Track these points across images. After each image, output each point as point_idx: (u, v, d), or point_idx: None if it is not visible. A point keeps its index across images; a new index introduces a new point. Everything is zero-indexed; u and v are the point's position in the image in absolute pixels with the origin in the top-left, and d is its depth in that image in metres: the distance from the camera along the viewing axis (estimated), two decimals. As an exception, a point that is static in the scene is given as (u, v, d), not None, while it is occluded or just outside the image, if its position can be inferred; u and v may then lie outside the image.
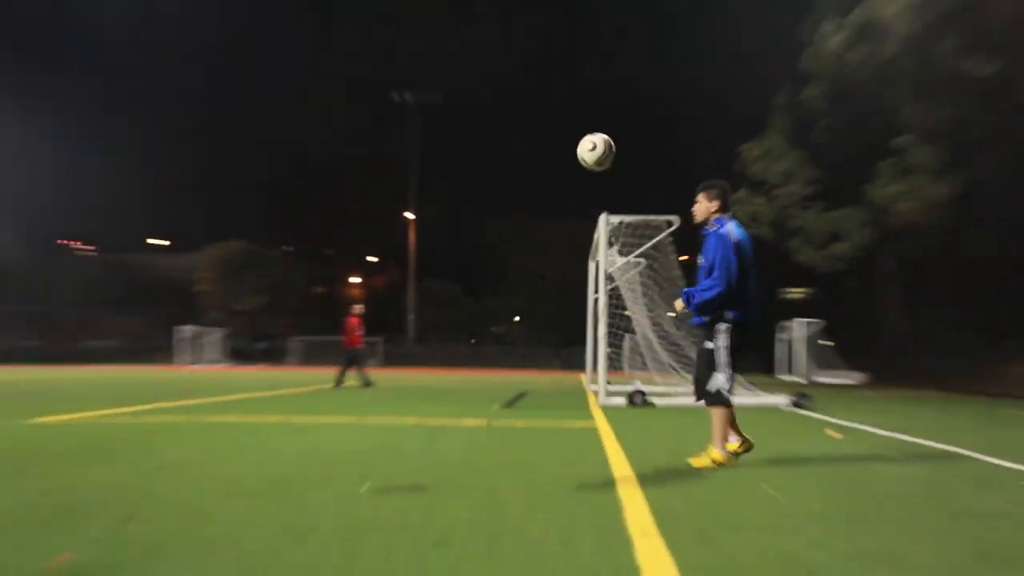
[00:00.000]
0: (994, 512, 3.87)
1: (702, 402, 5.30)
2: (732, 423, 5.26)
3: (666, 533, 3.27)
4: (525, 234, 59.83)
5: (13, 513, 3.58)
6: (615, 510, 3.76)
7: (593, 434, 7.36)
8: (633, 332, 13.25)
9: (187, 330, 44.27)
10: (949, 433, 7.89)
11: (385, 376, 23.64)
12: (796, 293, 44.36)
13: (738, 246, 5.12)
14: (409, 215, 53.70)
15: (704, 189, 5.38)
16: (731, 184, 5.71)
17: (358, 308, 17.59)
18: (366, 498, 4.01)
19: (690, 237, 12.07)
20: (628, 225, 12.32)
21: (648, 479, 4.68)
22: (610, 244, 12.25)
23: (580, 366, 25.56)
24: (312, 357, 47.16)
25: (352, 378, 16.68)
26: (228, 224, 68.27)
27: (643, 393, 11.36)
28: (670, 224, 12.08)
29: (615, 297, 12.88)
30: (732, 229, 5.19)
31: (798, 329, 25.98)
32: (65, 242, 73.17)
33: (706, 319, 5.21)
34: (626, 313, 13.03)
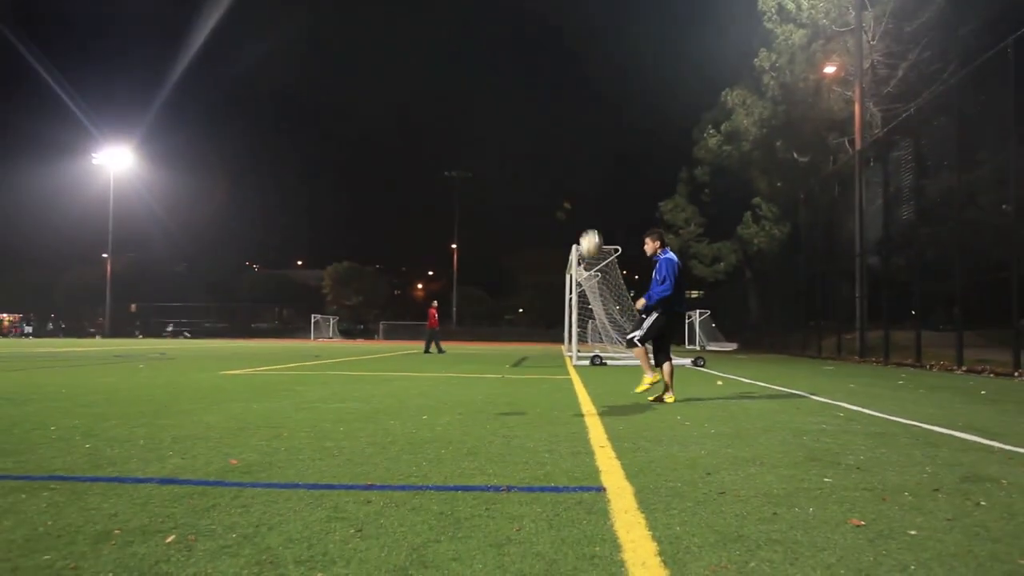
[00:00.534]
0: (817, 430, 3.84)
1: (628, 347, 5.45)
2: (652, 367, 5.32)
3: (614, 445, 3.26)
4: (527, 257, 60.19)
5: (209, 430, 3.60)
6: (582, 430, 3.75)
7: (568, 383, 7.35)
8: (594, 319, 13.21)
9: (316, 317, 44.70)
10: (789, 380, 7.83)
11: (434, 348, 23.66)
12: (694, 294, 44.73)
13: (678, 266, 5.34)
14: (454, 246, 54.49)
15: (649, 235, 5.51)
16: (654, 226, 5.83)
17: (435, 303, 17.69)
18: (424, 423, 4.01)
19: (628, 260, 12.23)
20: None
21: (603, 412, 4.67)
22: (579, 263, 12.30)
23: (560, 340, 25.51)
24: (391, 335, 47.60)
25: (433, 349, 16.85)
26: (342, 250, 69.96)
27: (600, 357, 11.34)
28: (616, 251, 12.18)
29: (582, 296, 12.90)
30: (673, 256, 5.38)
31: (696, 316, 25.98)
32: (248, 263, 74.63)
33: (652, 306, 5.32)
34: (589, 307, 13.01)
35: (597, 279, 12.90)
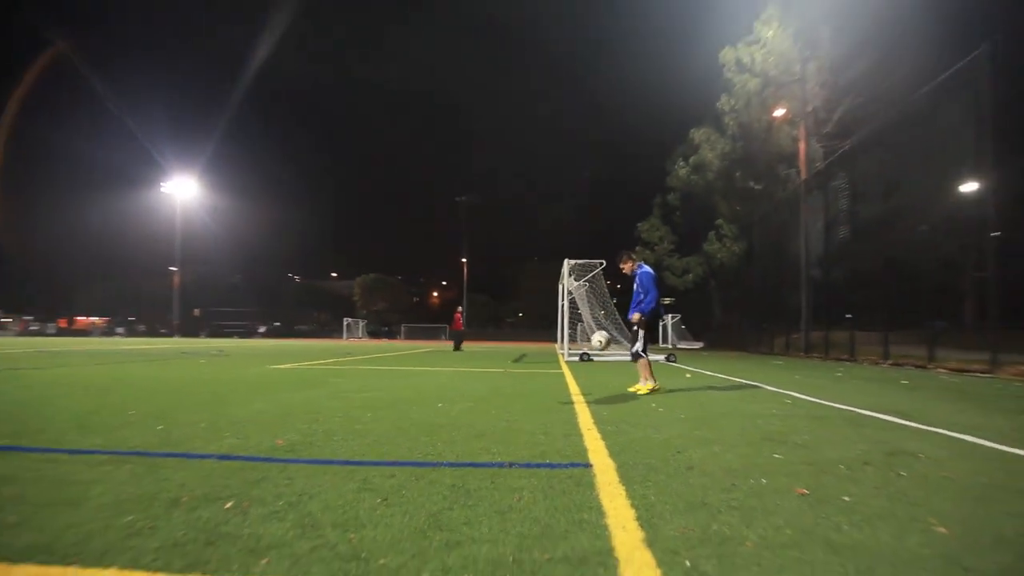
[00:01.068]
0: (769, 414, 3.84)
1: (634, 360, 5.26)
2: (651, 372, 5.21)
3: (600, 429, 3.27)
4: (527, 268, 59.87)
5: (259, 416, 3.61)
6: (572, 416, 3.76)
7: (561, 376, 7.34)
8: (582, 321, 13.19)
9: (347, 320, 44.68)
10: (747, 373, 7.80)
11: (448, 346, 23.58)
12: (667, 300, 44.66)
13: (656, 277, 5.25)
14: (464, 259, 54.35)
15: (620, 258, 5.35)
16: (632, 244, 5.81)
17: (460, 308, 17.66)
18: (440, 410, 4.01)
19: (611, 273, 12.25)
20: (579, 265, 12.36)
21: (590, 400, 4.66)
22: (570, 274, 12.29)
23: (554, 339, 25.44)
24: (412, 336, 47.38)
25: (460, 348, 16.85)
26: (369, 263, 70.08)
27: (588, 354, 11.28)
28: (601, 264, 12.18)
29: (572, 303, 12.89)
30: (648, 268, 5.26)
31: (669, 320, 25.95)
32: (290, 275, 74.58)
33: (646, 314, 5.14)
34: (578, 311, 13.00)
35: (585, 288, 12.91)
